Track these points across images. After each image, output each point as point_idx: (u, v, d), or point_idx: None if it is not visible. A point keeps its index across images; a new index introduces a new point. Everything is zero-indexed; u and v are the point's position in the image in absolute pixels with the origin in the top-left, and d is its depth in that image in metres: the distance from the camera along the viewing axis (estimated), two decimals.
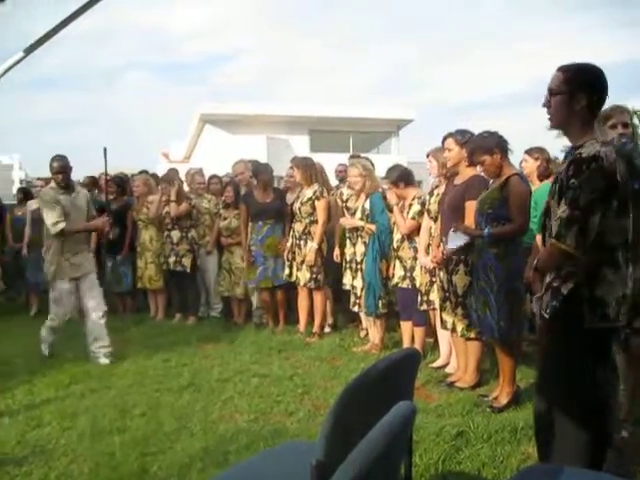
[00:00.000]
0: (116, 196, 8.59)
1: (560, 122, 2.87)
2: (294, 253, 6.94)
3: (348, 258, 6.50)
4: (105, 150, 5.96)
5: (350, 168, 6.48)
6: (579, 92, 2.75)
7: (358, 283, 6.31)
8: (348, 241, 6.53)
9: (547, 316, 2.85)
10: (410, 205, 5.83)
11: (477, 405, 4.51)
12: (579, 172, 2.66)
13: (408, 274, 5.81)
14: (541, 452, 3.04)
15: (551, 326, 2.89)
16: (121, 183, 8.82)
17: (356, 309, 6.44)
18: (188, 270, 7.87)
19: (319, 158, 7.75)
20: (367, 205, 6.30)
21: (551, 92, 2.83)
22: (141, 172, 9.59)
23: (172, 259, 7.86)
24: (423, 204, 5.74)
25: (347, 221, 6.45)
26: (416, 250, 5.75)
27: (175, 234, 7.93)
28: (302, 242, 6.88)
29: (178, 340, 6.81)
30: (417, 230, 5.74)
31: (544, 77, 2.90)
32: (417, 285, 5.72)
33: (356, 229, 6.33)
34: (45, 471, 3.51)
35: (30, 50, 2.69)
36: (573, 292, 2.74)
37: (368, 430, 1.60)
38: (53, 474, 3.47)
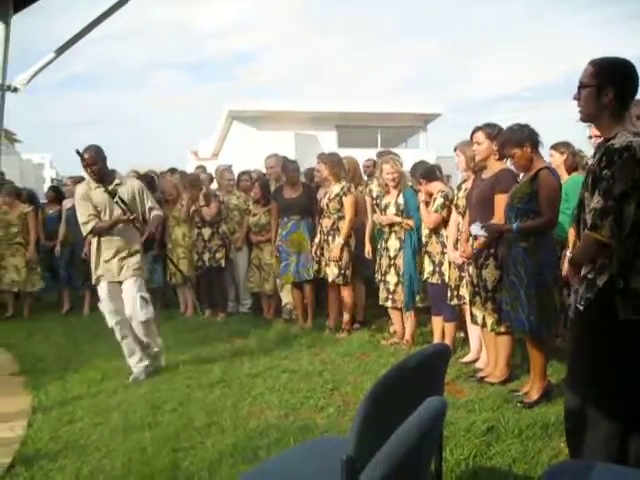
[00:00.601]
0: None
1: (589, 115, 2.88)
2: (322, 249, 6.95)
3: (382, 253, 6.44)
4: (78, 151, 5.29)
5: (384, 165, 6.41)
6: (607, 85, 2.75)
7: (392, 278, 6.30)
8: (380, 236, 6.49)
9: (581, 308, 2.84)
10: (434, 200, 5.82)
11: (508, 400, 4.48)
12: (612, 162, 2.65)
13: (437, 269, 5.80)
14: (571, 448, 3.02)
15: (586, 318, 2.87)
16: (150, 181, 8.89)
17: (389, 304, 6.37)
18: (223, 264, 7.94)
19: (347, 154, 7.74)
20: (401, 200, 6.29)
21: (581, 85, 2.84)
22: (170, 170, 9.66)
23: (207, 256, 7.92)
24: (446, 197, 5.72)
25: (383, 218, 6.36)
26: (444, 245, 5.73)
27: (206, 231, 7.99)
28: (330, 238, 6.88)
29: (208, 336, 6.86)
30: (443, 223, 5.73)
31: (573, 70, 2.89)
32: (446, 280, 5.71)
33: (392, 224, 6.32)
34: (78, 466, 3.56)
35: (61, 51, 2.72)
36: (607, 284, 2.73)
37: (398, 425, 1.59)
38: (86, 469, 3.52)
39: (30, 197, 9.60)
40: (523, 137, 4.38)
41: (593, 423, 2.82)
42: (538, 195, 4.26)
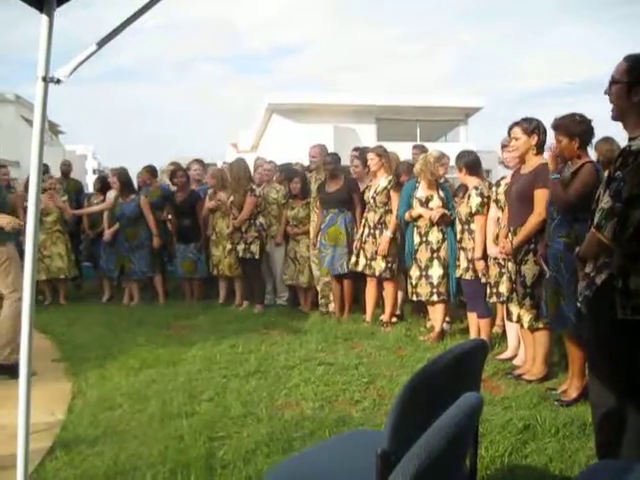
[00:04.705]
0: (183, 186, 8.73)
1: (618, 112, 2.84)
2: (364, 243, 6.94)
3: (420, 247, 6.36)
4: None
5: (444, 158, 6.42)
6: (638, 84, 2.69)
7: (436, 271, 6.25)
8: (415, 229, 6.46)
9: (579, 305, 2.88)
10: (469, 196, 5.78)
11: (545, 398, 4.44)
12: (625, 165, 2.62)
13: (471, 265, 5.77)
14: (598, 446, 3.00)
15: (589, 316, 2.86)
16: (188, 174, 8.98)
17: (435, 298, 6.29)
18: (257, 256, 7.93)
19: (386, 147, 7.72)
20: (442, 194, 6.29)
21: (612, 80, 2.79)
22: (195, 161, 9.75)
23: (241, 247, 7.94)
24: (482, 195, 5.67)
25: (432, 212, 6.25)
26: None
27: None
28: (377, 232, 6.89)
29: (245, 327, 6.90)
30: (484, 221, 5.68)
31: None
32: (479, 276, 5.69)
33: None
34: (116, 452, 3.60)
35: (103, 43, 2.74)
36: (606, 283, 2.72)
37: (434, 420, 1.59)
38: (124, 455, 3.56)
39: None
40: (576, 130, 4.28)
41: (607, 420, 2.82)
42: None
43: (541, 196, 4.62)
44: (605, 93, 2.85)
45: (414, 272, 6.39)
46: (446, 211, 6.22)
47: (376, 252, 6.82)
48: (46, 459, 3.54)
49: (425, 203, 6.34)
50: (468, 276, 5.79)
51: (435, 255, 6.25)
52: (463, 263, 5.85)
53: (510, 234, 4.95)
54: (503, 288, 5.38)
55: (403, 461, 1.49)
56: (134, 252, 8.65)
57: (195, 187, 9.02)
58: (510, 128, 5.02)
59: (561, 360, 5.15)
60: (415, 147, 7.94)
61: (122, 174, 8.96)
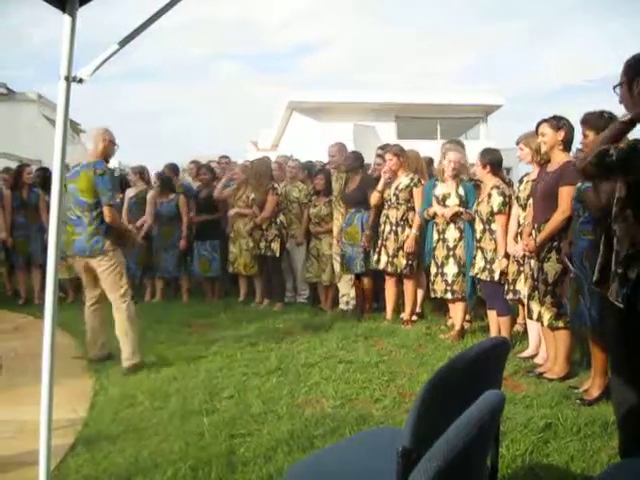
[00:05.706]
0: (207, 183, 8.77)
1: (629, 111, 2.82)
2: (386, 240, 6.93)
3: (437, 244, 6.36)
4: None
5: (450, 153, 6.37)
6: (636, 78, 2.70)
7: (451, 269, 6.24)
8: (435, 227, 6.43)
9: (622, 305, 2.79)
10: (489, 195, 5.74)
11: (567, 397, 4.41)
12: None
13: (488, 266, 5.74)
14: (622, 445, 2.97)
15: (626, 312, 2.81)
16: (212, 171, 9.01)
17: (449, 296, 6.30)
18: (277, 254, 7.94)
19: (406, 145, 7.69)
20: (461, 192, 6.26)
21: (618, 83, 2.80)
22: (221, 157, 9.77)
23: (262, 244, 7.96)
24: (503, 194, 5.64)
25: (446, 211, 6.25)
26: (496, 242, 5.69)
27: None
28: (399, 229, 6.86)
29: (265, 325, 6.93)
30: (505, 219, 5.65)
31: None
32: (495, 278, 5.66)
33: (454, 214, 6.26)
34: (137, 449, 3.62)
35: (124, 43, 2.76)
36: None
37: (455, 418, 1.58)
38: (145, 452, 3.58)
39: None
40: (603, 126, 4.24)
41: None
42: None
43: (566, 194, 4.60)
44: (620, 103, 2.85)
45: (432, 269, 6.41)
46: (461, 209, 6.18)
47: (398, 249, 6.79)
48: (68, 455, 3.58)
49: (442, 201, 6.32)
50: (484, 276, 5.76)
51: (451, 253, 6.24)
52: (480, 263, 5.81)
53: (534, 231, 4.92)
54: (520, 286, 5.36)
55: (424, 459, 1.49)
56: (166, 251, 8.68)
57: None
58: (538, 125, 4.99)
59: (583, 358, 5.12)
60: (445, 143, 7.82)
61: (162, 173, 9.04)
